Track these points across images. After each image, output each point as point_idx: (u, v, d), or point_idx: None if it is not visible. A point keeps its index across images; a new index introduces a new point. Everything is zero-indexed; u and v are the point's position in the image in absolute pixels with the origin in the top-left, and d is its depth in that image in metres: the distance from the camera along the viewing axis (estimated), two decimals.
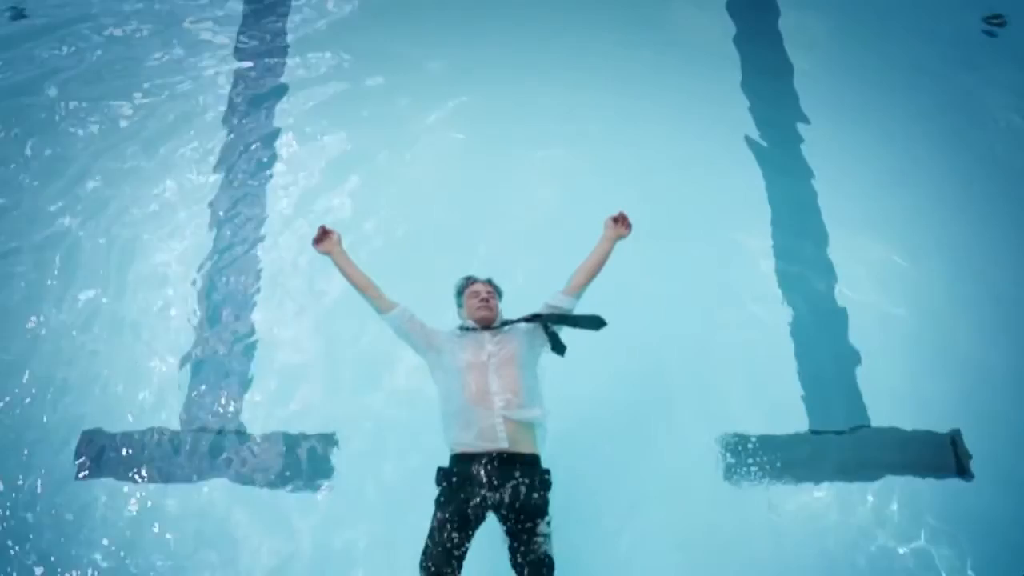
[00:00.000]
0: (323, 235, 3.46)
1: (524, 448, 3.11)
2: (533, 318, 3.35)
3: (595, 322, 3.32)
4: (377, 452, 3.81)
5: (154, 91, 5.41)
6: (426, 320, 3.41)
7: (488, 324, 3.36)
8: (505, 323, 3.40)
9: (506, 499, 3.00)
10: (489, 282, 3.51)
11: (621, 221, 3.47)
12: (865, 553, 3.47)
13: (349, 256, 3.45)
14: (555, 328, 3.34)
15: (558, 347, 3.34)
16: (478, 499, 3.00)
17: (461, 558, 2.92)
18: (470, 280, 3.51)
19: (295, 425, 3.91)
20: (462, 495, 3.01)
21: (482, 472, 3.03)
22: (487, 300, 3.38)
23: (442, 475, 3.12)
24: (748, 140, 5.02)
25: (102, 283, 4.43)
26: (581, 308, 3.39)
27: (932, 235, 4.54)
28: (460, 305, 3.50)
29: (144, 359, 4.15)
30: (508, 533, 3.00)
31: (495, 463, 3.04)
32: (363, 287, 3.39)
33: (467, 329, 3.39)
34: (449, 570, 2.88)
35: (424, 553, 2.93)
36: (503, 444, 3.07)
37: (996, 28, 5.54)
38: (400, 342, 3.43)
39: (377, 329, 3.84)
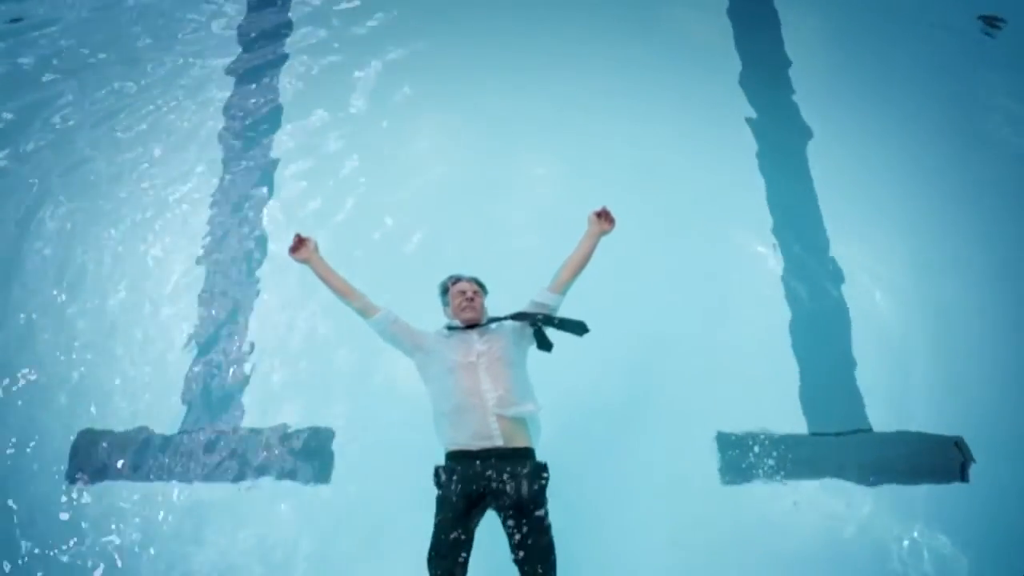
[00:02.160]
0: (299, 243, 3.42)
1: (519, 443, 3.13)
2: (519, 316, 3.35)
3: (579, 327, 3.32)
4: (376, 450, 3.80)
5: (152, 89, 5.42)
6: (419, 320, 3.39)
7: (474, 324, 3.35)
8: (492, 320, 3.39)
9: (505, 493, 3.01)
10: (474, 280, 3.48)
11: (604, 216, 3.45)
12: (865, 554, 3.45)
13: (327, 262, 3.40)
14: (541, 326, 3.33)
15: (544, 345, 3.34)
16: (477, 495, 3.01)
17: (467, 553, 2.94)
18: (454, 279, 3.48)
19: (293, 424, 3.90)
20: (461, 492, 3.02)
21: (479, 468, 3.04)
22: (472, 300, 3.36)
23: (440, 474, 3.13)
24: (748, 140, 5.01)
25: (100, 282, 4.42)
26: (568, 304, 3.38)
27: (933, 235, 4.53)
28: (446, 304, 3.48)
29: (141, 358, 4.14)
30: (508, 527, 3.00)
31: (491, 459, 3.06)
32: (345, 293, 3.37)
33: (454, 329, 3.38)
34: (457, 566, 2.90)
35: (430, 551, 2.94)
36: (498, 441, 3.08)
37: (994, 29, 5.52)
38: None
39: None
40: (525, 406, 3.18)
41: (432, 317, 3.49)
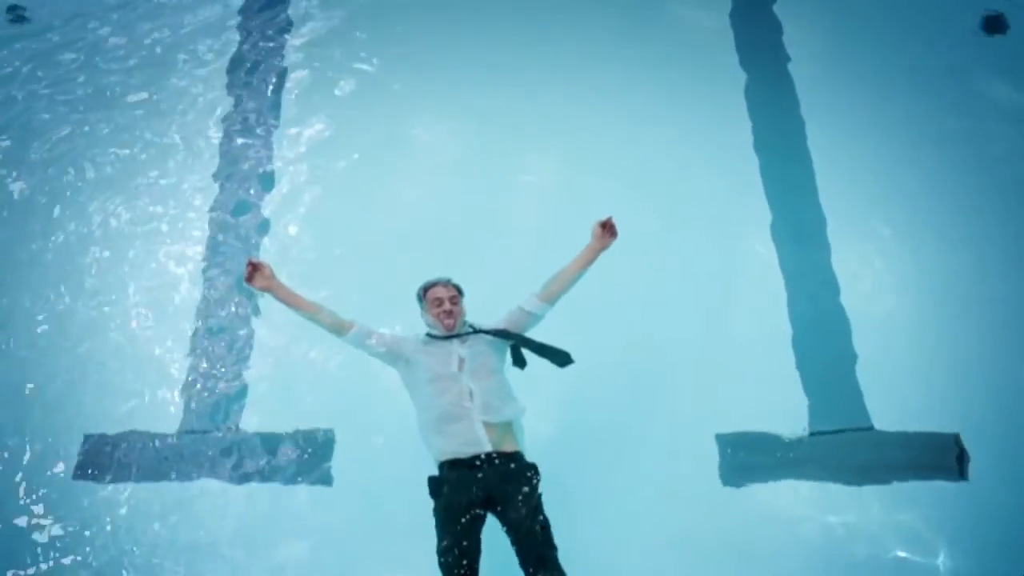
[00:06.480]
0: (253, 270, 3.28)
1: (508, 447, 3.15)
2: (500, 334, 3.34)
3: (562, 357, 3.31)
4: (377, 450, 3.81)
5: (152, 90, 5.41)
6: (410, 324, 3.39)
7: (452, 331, 3.34)
8: (473, 329, 3.37)
9: (500, 497, 3.03)
10: (449, 283, 3.44)
11: (608, 228, 3.36)
12: (865, 554, 3.46)
13: (288, 286, 3.34)
14: (521, 345, 3.34)
15: (519, 362, 3.35)
16: (473, 501, 3.02)
17: (476, 557, 2.95)
18: (429, 284, 3.44)
19: (294, 424, 3.92)
20: (458, 500, 3.03)
21: (473, 475, 3.06)
22: (450, 311, 3.34)
23: (434, 484, 3.14)
24: (748, 139, 4.98)
25: (101, 283, 4.44)
26: (565, 303, 3.41)
27: (933, 236, 4.50)
28: (423, 310, 3.44)
29: (143, 359, 4.16)
30: (508, 531, 3.02)
31: (483, 464, 3.08)
32: (312, 313, 3.33)
33: (434, 336, 3.37)
34: (467, 571, 2.91)
35: (441, 562, 2.94)
36: (487, 447, 3.10)
37: (996, 22, 5.47)
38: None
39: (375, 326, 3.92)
40: (510, 410, 3.20)
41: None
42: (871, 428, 3.80)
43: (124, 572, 3.49)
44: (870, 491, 3.61)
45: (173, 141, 5.14)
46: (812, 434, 3.80)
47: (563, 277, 3.37)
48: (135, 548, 3.55)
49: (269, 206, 4.79)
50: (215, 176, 4.95)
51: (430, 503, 3.11)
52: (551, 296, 3.37)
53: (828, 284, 4.32)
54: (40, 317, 4.30)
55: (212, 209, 4.80)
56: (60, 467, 3.78)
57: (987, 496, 3.55)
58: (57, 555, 3.51)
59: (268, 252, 4.53)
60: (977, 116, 5.08)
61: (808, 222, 4.58)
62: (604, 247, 3.38)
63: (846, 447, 3.77)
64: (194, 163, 5.03)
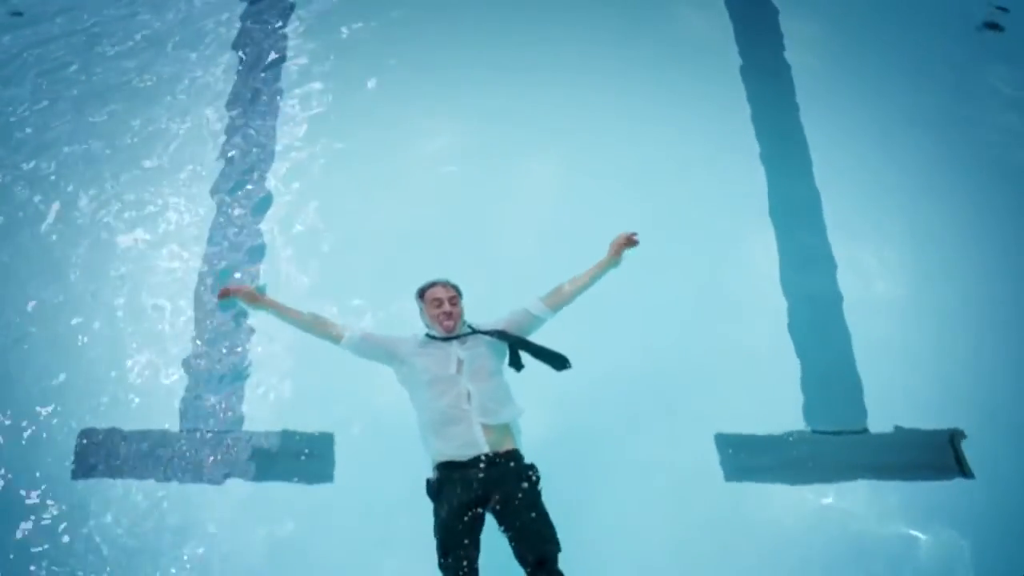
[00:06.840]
0: (236, 293, 3.31)
1: (506, 447, 3.13)
2: (499, 335, 3.34)
3: (559, 361, 3.31)
4: (377, 450, 3.78)
5: (151, 87, 5.39)
6: (407, 327, 3.38)
7: (452, 332, 3.33)
8: (471, 330, 3.37)
9: (498, 497, 3.01)
10: (448, 284, 3.43)
11: (629, 244, 3.41)
12: (865, 554, 3.45)
13: (276, 300, 3.37)
14: (519, 349, 3.34)
15: (516, 364, 3.35)
16: (472, 501, 3.01)
17: (476, 557, 2.94)
18: (428, 284, 3.44)
19: (294, 424, 3.90)
20: (456, 502, 3.01)
21: (470, 477, 3.04)
22: (450, 312, 3.33)
23: (431, 487, 3.13)
24: (749, 138, 4.99)
25: (101, 281, 4.41)
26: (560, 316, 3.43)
27: (932, 234, 4.52)
28: (423, 310, 3.44)
29: (143, 357, 4.13)
30: (508, 529, 2.99)
31: (481, 466, 3.06)
32: (304, 322, 3.36)
33: (432, 337, 3.37)
34: (468, 571, 2.89)
35: (441, 563, 2.93)
36: (485, 448, 3.08)
37: (999, 16, 5.51)
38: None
39: (376, 326, 3.90)
40: (508, 412, 3.20)
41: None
42: (870, 427, 3.80)
43: (119, 568, 3.46)
44: (872, 490, 3.61)
45: (168, 129, 5.12)
46: (814, 432, 3.80)
47: (571, 291, 3.41)
48: (130, 545, 3.52)
49: (270, 203, 4.77)
50: (215, 169, 4.92)
51: (429, 504, 3.10)
52: (555, 304, 3.40)
53: (829, 282, 4.33)
54: (36, 312, 4.27)
55: (213, 202, 4.77)
56: (57, 463, 3.75)
57: (991, 494, 3.55)
58: (55, 551, 3.47)
59: (269, 247, 4.54)
60: (976, 114, 5.11)
61: (808, 220, 4.59)
62: (615, 264, 3.43)
63: (847, 446, 3.76)
64: (189, 154, 5.00)
